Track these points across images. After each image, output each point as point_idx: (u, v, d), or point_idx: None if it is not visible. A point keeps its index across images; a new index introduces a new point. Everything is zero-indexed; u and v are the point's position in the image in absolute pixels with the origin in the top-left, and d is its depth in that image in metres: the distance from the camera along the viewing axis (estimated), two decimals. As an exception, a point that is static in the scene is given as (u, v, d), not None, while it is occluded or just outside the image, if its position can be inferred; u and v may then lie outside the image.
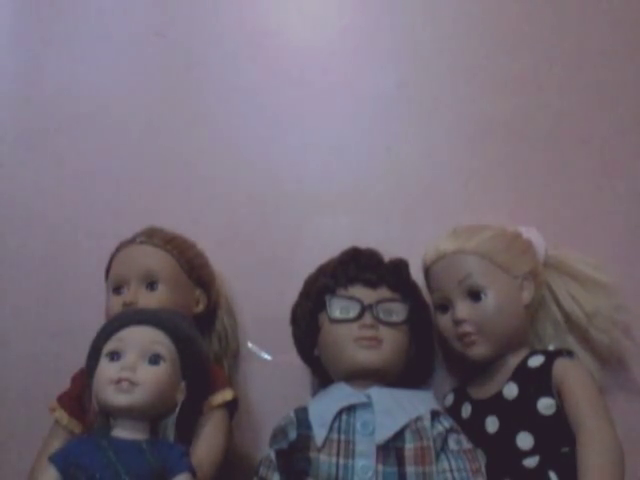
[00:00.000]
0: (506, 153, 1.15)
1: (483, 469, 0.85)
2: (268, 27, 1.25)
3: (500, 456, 0.86)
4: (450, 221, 1.00)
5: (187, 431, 0.86)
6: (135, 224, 1.04)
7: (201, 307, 1.03)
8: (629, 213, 1.10)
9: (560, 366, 0.87)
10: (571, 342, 0.98)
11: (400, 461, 0.83)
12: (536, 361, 0.89)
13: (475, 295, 0.92)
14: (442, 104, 1.18)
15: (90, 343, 0.86)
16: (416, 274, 0.99)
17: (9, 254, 1.21)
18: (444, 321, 0.95)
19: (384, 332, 0.91)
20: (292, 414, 0.90)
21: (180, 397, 0.83)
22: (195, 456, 0.83)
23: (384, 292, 0.94)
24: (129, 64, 1.27)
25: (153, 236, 1.01)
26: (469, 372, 0.98)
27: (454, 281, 0.93)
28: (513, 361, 0.91)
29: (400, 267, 0.98)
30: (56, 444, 0.89)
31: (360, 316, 0.91)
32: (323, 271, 0.98)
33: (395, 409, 0.86)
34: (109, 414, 0.81)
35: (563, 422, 0.84)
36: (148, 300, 0.95)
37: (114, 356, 0.81)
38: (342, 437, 0.85)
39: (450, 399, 0.98)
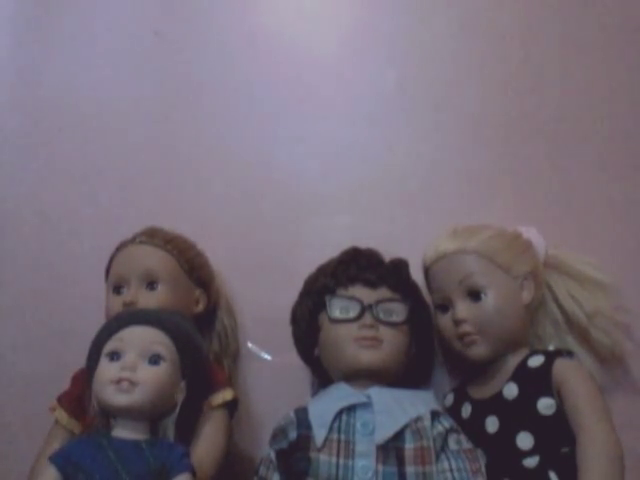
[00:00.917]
0: (506, 153, 1.15)
1: (483, 469, 0.85)
2: (268, 27, 1.25)
3: (500, 456, 0.86)
4: (450, 221, 1.00)
5: (187, 431, 0.86)
6: (135, 224, 1.04)
7: (201, 307, 1.03)
8: (629, 213, 1.10)
9: (560, 366, 0.87)
10: (571, 342, 0.98)
11: (400, 461, 0.83)
12: (536, 361, 0.89)
13: (475, 295, 0.92)
14: (442, 104, 1.18)
15: (90, 343, 0.86)
16: (416, 274, 0.99)
17: (9, 254, 1.21)
18: (444, 321, 0.95)
19: (384, 332, 0.91)
20: (292, 414, 0.90)
21: (180, 397, 0.83)
22: (195, 456, 0.82)
23: (384, 292, 0.94)
24: (129, 64, 1.27)
25: (153, 236, 1.01)
26: (469, 372, 0.98)
27: (454, 281, 0.93)
28: (513, 361, 0.91)
29: (400, 267, 0.98)
30: (56, 444, 0.89)
31: (360, 316, 0.91)
32: (323, 271, 0.98)
33: (395, 409, 0.86)
34: (109, 414, 0.81)
35: (563, 422, 0.84)
36: (148, 300, 0.95)
37: (114, 356, 0.81)
38: (342, 437, 0.85)
39: (450, 399, 0.98)
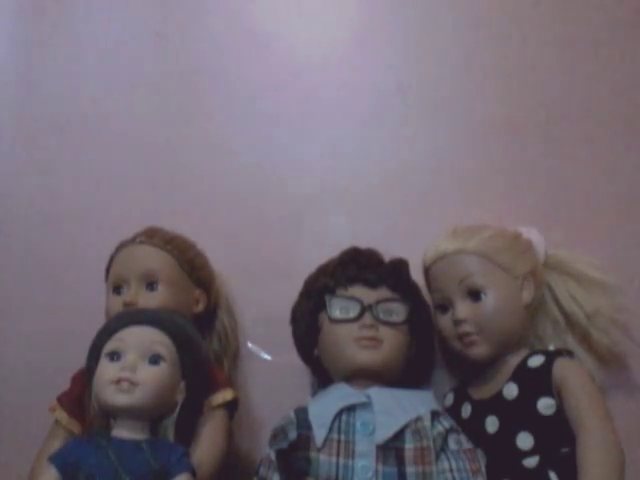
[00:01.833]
0: (506, 153, 1.15)
1: (483, 469, 0.85)
2: (268, 27, 1.25)
3: (500, 456, 0.86)
4: (450, 221, 1.00)
5: (187, 431, 0.86)
6: (135, 224, 1.04)
7: (201, 307, 1.03)
8: (629, 213, 1.10)
9: (560, 366, 0.87)
10: (571, 342, 0.98)
11: (400, 461, 0.83)
12: (536, 361, 0.89)
13: (475, 295, 0.92)
14: (442, 104, 1.18)
15: (90, 343, 0.86)
16: (416, 274, 0.99)
17: (9, 254, 1.21)
18: (444, 321, 0.95)
19: (384, 332, 0.91)
20: (292, 414, 0.90)
21: (180, 397, 0.83)
22: (195, 456, 0.83)
23: (384, 292, 0.94)
24: (129, 64, 1.27)
25: (153, 236, 1.01)
26: (469, 372, 0.98)
27: (454, 281, 0.93)
28: (513, 361, 0.91)
29: (400, 267, 0.98)
30: (56, 444, 0.89)
31: (360, 316, 0.91)
32: (323, 271, 0.98)
33: (395, 409, 0.86)
34: (109, 414, 0.81)
35: (563, 422, 0.84)
36: (148, 300, 0.95)
37: (114, 356, 0.81)
38: (342, 437, 0.85)
39: (450, 399, 0.98)
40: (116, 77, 1.26)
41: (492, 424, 0.88)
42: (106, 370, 0.80)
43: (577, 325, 0.97)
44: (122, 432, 0.79)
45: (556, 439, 0.84)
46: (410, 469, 0.82)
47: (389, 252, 1.00)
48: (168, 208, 1.17)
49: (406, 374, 0.95)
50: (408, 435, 0.84)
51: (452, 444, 0.86)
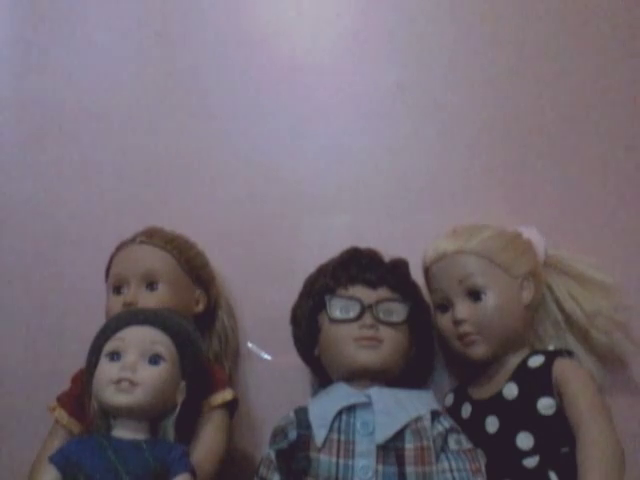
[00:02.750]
0: (506, 153, 1.15)
1: (483, 469, 0.85)
2: (267, 27, 1.25)
3: (500, 456, 0.86)
4: (450, 221, 1.00)
5: (187, 431, 0.86)
6: (135, 224, 1.04)
7: (201, 307, 1.03)
8: (629, 213, 1.10)
9: (560, 366, 0.87)
10: (571, 342, 0.98)
11: (400, 461, 0.83)
12: (536, 361, 0.89)
13: (475, 295, 0.92)
14: (442, 104, 1.18)
15: (90, 343, 0.86)
16: (416, 274, 0.99)
17: (9, 254, 1.21)
18: (444, 321, 0.95)
19: (384, 332, 0.91)
20: (292, 414, 0.90)
21: (180, 397, 0.83)
22: (195, 456, 0.83)
23: (384, 292, 0.94)
24: (129, 64, 1.27)
25: (153, 236, 1.01)
26: (469, 372, 0.98)
27: (454, 281, 0.93)
28: (513, 361, 0.91)
29: (400, 267, 0.98)
30: (56, 444, 0.89)
31: (360, 316, 0.91)
32: (323, 271, 0.98)
33: (395, 409, 0.86)
34: (109, 414, 0.81)
35: (563, 422, 0.84)
36: (148, 300, 0.95)
37: (114, 356, 0.81)
38: (342, 437, 0.85)
39: (450, 399, 0.98)
40: (116, 77, 1.26)
41: (492, 424, 0.88)
42: (106, 370, 0.80)
43: (577, 325, 0.97)
44: (122, 432, 0.79)
45: (556, 439, 0.84)
46: (410, 469, 0.82)
47: (389, 252, 1.00)
48: (168, 208, 1.17)
49: (406, 374, 0.95)
50: (408, 435, 0.84)
51: (452, 444, 0.86)
